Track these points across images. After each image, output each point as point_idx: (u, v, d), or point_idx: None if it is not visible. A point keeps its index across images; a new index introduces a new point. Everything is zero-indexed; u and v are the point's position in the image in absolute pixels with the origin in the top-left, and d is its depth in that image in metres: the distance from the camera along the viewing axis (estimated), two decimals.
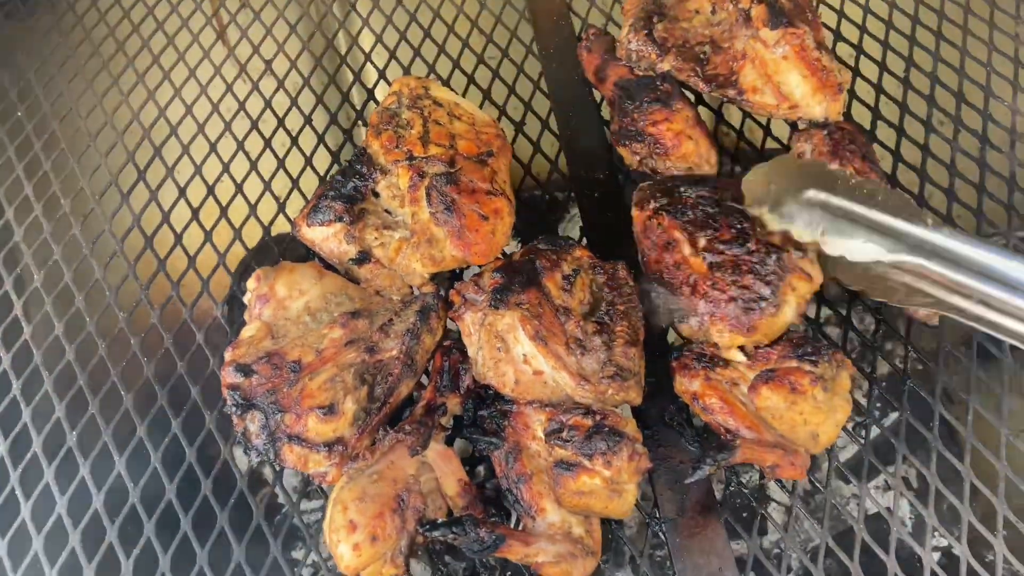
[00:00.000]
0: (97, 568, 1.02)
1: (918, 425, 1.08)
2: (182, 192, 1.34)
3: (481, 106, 1.40)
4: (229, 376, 1.03)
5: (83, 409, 1.13)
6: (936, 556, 1.03)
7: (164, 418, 1.12)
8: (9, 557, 1.06)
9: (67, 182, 1.36)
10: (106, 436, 1.11)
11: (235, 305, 1.26)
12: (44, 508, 1.07)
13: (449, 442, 1.08)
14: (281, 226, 1.33)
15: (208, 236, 1.29)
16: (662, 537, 1.05)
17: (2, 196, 1.36)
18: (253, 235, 1.32)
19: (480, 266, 1.16)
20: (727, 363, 1.06)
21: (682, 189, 1.12)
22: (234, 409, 1.02)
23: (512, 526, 1.01)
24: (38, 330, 1.22)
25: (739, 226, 1.07)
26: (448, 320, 1.14)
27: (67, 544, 1.04)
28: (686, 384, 1.06)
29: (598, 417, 1.01)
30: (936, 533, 1.03)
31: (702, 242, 1.07)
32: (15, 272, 1.28)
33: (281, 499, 1.10)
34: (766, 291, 1.03)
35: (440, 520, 0.96)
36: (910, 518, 1.11)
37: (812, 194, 1.04)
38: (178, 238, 1.29)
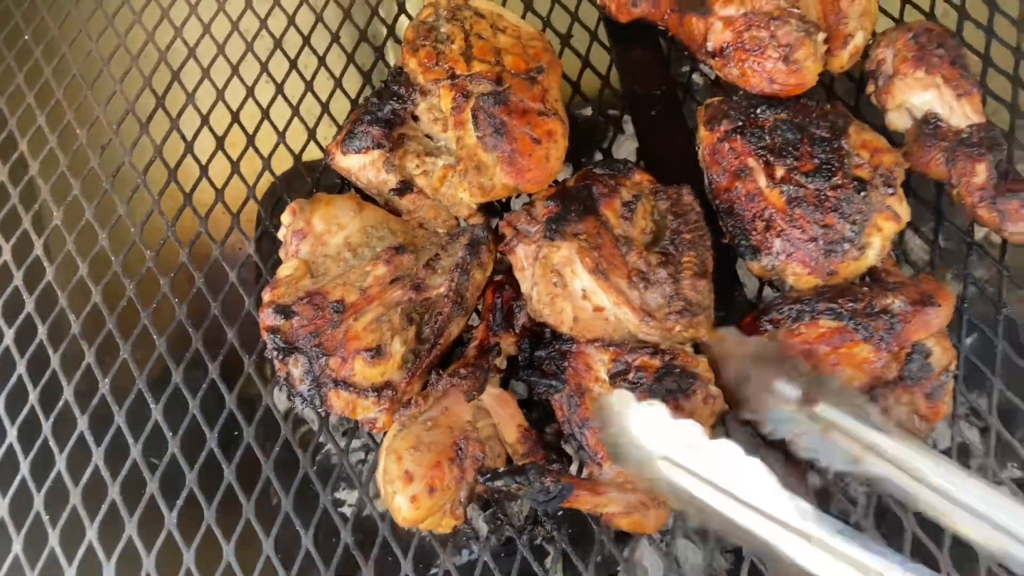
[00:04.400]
0: (140, 520, 0.98)
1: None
2: (205, 120, 1.25)
3: (523, 17, 1.28)
4: (269, 318, 0.96)
5: (115, 354, 1.07)
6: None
7: (200, 362, 1.06)
8: (47, 509, 1.01)
9: (81, 111, 1.27)
10: (140, 383, 1.05)
11: (266, 240, 1.18)
12: (80, 459, 1.02)
13: (503, 385, 1.01)
14: (312, 154, 1.23)
15: (235, 167, 1.20)
16: None
17: (15, 127, 1.27)
18: (282, 164, 1.23)
19: (530, 195, 1.07)
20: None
21: (759, 110, 1.01)
22: (275, 353, 0.95)
23: (577, 473, 0.95)
24: (61, 271, 1.15)
25: (823, 156, 0.96)
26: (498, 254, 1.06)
27: (107, 496, 0.99)
28: None
29: (667, 357, 0.93)
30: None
31: (780, 172, 0.97)
32: (34, 208, 1.20)
33: (331, 447, 1.04)
34: (850, 232, 0.93)
35: (502, 469, 0.90)
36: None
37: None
38: (203, 170, 1.20)
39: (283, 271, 1.01)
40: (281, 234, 1.05)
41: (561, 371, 0.96)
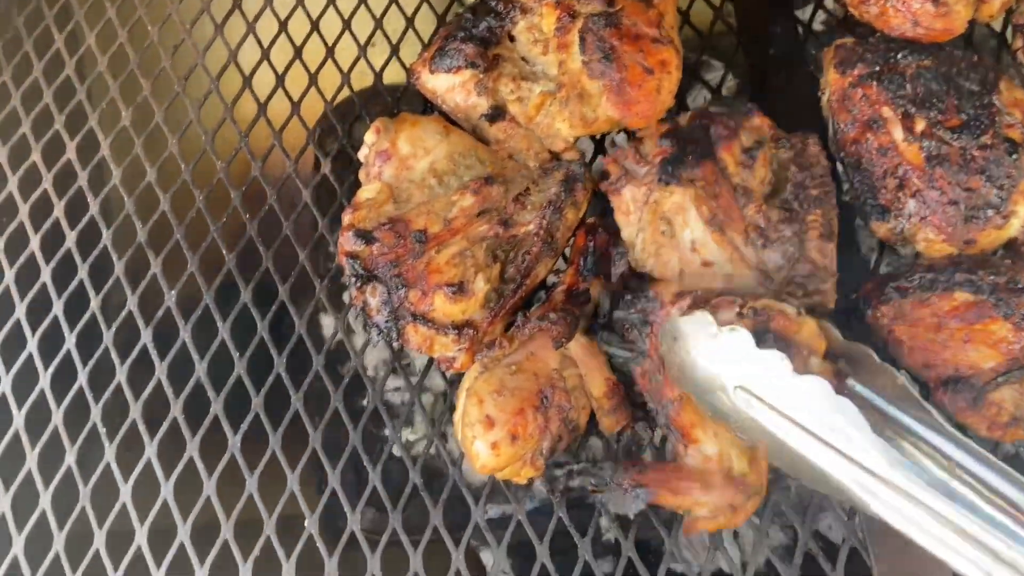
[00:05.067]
0: (202, 441, 0.94)
1: None
2: (283, 26, 1.17)
3: None
4: (348, 243, 0.90)
5: (182, 266, 1.02)
6: None
7: (270, 282, 1.00)
8: (104, 421, 0.97)
9: (153, 7, 1.20)
10: (207, 299, 1.00)
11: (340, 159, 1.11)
12: (142, 373, 0.98)
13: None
14: (391, 76, 1.15)
15: (313, 79, 1.13)
16: None
17: (83, 19, 1.20)
18: (361, 81, 1.16)
19: (631, 131, 0.98)
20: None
21: (899, 55, 0.91)
22: (353, 280, 0.89)
23: (660, 445, 0.88)
24: (127, 174, 1.09)
25: (972, 111, 0.86)
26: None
27: (168, 414, 0.95)
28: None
29: (760, 319, 0.83)
30: None
31: (920, 125, 0.87)
32: (100, 107, 1.14)
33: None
34: (996, 197, 0.84)
35: (576, 467, 0.83)
36: None
37: None
38: (279, 79, 1.13)
39: (364, 193, 0.94)
40: (362, 154, 0.98)
41: (643, 335, 0.88)
